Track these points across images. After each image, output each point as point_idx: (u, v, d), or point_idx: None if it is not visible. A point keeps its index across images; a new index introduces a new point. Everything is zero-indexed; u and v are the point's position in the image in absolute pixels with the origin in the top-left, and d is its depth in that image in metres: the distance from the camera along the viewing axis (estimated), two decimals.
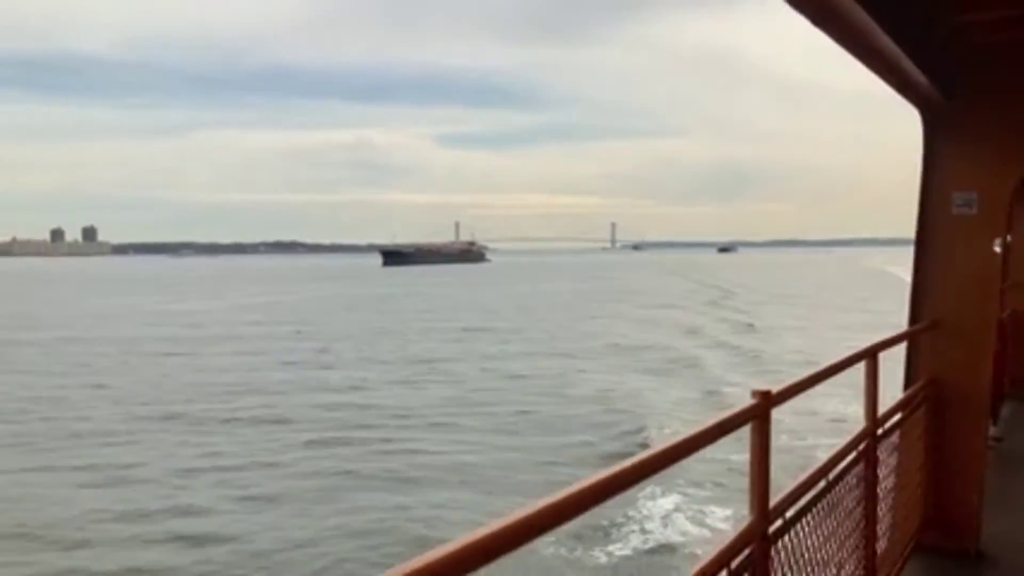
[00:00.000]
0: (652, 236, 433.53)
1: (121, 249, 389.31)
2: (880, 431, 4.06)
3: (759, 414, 2.49)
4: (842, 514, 3.41)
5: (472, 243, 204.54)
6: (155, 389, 22.76)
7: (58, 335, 36.58)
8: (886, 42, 3.80)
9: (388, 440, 16.60)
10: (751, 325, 35.60)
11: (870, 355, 3.94)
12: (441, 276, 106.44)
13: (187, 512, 12.45)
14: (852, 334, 30.12)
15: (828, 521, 3.19)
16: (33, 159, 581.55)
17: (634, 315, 42.27)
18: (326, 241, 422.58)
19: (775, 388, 2.64)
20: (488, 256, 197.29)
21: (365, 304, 56.76)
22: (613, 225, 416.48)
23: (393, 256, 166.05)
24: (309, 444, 16.31)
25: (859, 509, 3.70)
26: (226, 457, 15.53)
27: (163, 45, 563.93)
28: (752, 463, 2.49)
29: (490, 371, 25.32)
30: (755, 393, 2.52)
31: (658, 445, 1.93)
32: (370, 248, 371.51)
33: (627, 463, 1.70)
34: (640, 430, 16.35)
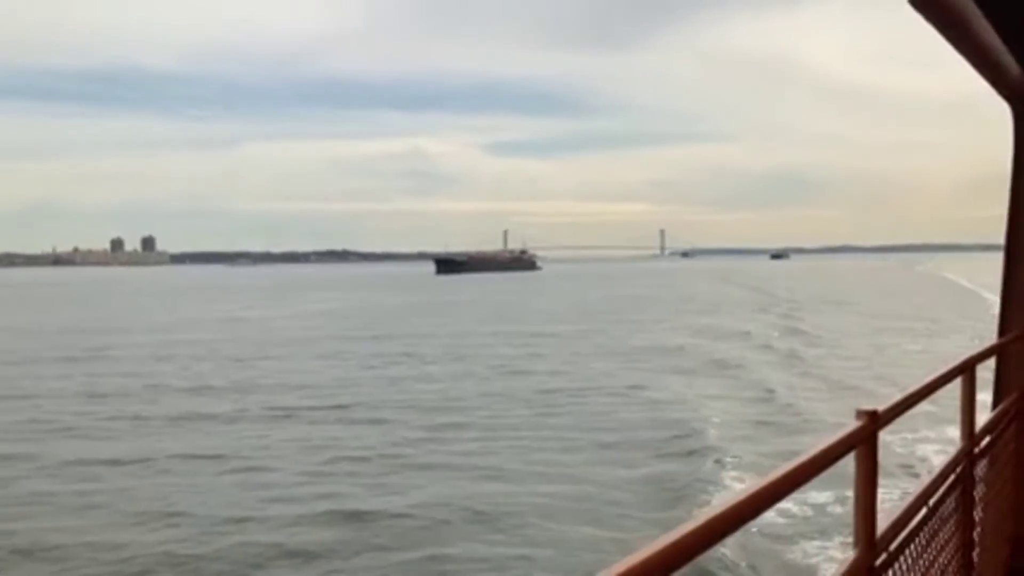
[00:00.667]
0: (702, 243, 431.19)
1: (179, 258, 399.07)
2: (976, 450, 3.84)
3: (866, 437, 2.35)
4: (942, 540, 3.26)
5: (524, 251, 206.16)
6: (302, 386, 24.82)
7: (156, 339, 39.20)
8: (984, 29, 3.73)
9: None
10: (817, 336, 35.55)
11: (967, 368, 3.70)
12: (496, 284, 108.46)
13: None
14: (927, 344, 30.92)
15: (929, 549, 3.06)
16: (93, 171, 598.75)
17: (696, 322, 43.40)
18: (377, 250, 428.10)
19: (881, 406, 2.50)
20: (539, 264, 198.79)
21: (432, 310, 58.86)
22: (662, 232, 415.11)
23: (446, 264, 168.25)
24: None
25: (957, 534, 3.50)
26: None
27: (219, 58, 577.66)
28: (857, 492, 2.35)
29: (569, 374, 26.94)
30: (860, 414, 2.38)
31: (754, 485, 1.71)
32: (420, 256, 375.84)
33: (719, 508, 1.52)
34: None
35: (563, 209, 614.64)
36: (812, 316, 45.60)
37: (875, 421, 2.39)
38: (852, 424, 2.32)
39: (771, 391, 21.97)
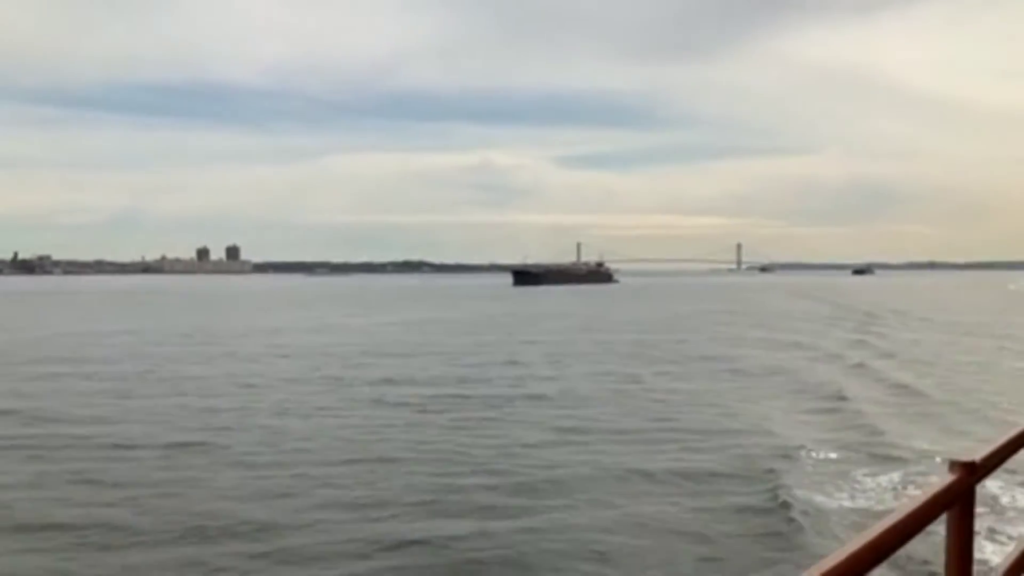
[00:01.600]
0: (780, 257, 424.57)
1: (261, 267, 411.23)
2: None
3: (960, 494, 2.00)
4: None
5: (600, 263, 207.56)
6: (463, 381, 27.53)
7: (281, 341, 42.58)
8: None
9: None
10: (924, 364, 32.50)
11: None
12: (577, 296, 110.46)
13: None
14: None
15: None
16: (179, 182, 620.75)
17: (783, 339, 44.50)
18: (450, 261, 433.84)
19: (978, 455, 2.13)
20: (616, 277, 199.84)
21: (531, 320, 61.19)
22: (739, 246, 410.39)
23: (524, 276, 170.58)
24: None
25: None
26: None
27: (300, 73, 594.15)
28: (949, 558, 2.03)
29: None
30: (953, 466, 2.05)
31: (838, 554, 1.50)
32: (493, 268, 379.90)
33: None
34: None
35: (637, 222, 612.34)
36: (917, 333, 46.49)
37: (972, 473, 2.06)
38: (944, 480, 2.01)
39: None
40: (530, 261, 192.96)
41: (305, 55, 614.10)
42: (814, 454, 16.48)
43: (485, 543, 11.51)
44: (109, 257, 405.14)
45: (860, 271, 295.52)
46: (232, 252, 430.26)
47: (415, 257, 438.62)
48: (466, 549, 11.28)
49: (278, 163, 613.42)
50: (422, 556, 11.12)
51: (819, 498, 13.20)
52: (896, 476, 14.61)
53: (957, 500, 2.01)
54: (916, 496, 1.85)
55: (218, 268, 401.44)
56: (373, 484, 14.75)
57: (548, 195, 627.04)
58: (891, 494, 13.37)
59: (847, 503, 13.08)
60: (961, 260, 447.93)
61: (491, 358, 35.20)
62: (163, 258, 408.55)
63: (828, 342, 40.40)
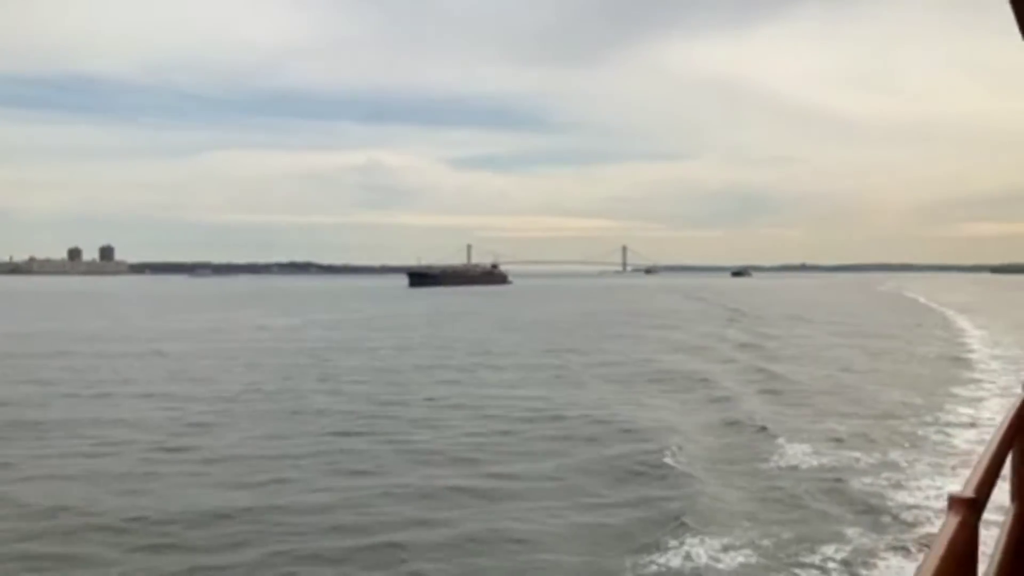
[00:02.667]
0: (663, 260, 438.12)
1: (138, 268, 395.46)
2: None
3: (965, 538, 1.80)
4: None
5: (495, 265, 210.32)
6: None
7: (190, 348, 42.71)
8: None
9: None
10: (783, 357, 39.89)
11: None
12: (476, 297, 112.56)
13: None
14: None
15: None
16: (49, 179, 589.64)
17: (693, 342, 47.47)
18: (338, 262, 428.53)
19: (970, 488, 1.93)
20: (510, 279, 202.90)
21: (439, 320, 62.74)
22: (624, 248, 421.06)
23: (419, 278, 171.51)
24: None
25: None
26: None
27: (176, 67, 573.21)
28: None
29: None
30: (953, 501, 1.86)
31: None
32: (383, 269, 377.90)
33: None
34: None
35: (526, 224, 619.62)
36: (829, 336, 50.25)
37: (974, 511, 1.84)
38: (953, 523, 1.79)
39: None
40: (424, 263, 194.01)
41: (183, 49, 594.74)
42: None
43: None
44: None
45: (738, 273, 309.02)
46: (106, 252, 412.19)
47: (301, 258, 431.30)
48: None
49: (155, 160, 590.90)
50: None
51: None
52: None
53: (961, 543, 1.78)
54: (933, 549, 1.67)
55: (91, 269, 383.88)
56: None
57: (437, 196, 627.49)
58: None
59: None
60: (831, 263, 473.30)
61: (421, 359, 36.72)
62: (32, 259, 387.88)
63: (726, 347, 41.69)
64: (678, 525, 12.08)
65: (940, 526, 1.83)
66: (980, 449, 2.71)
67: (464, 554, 11.25)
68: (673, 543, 11.43)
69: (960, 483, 2.19)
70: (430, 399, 24.40)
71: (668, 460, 16.11)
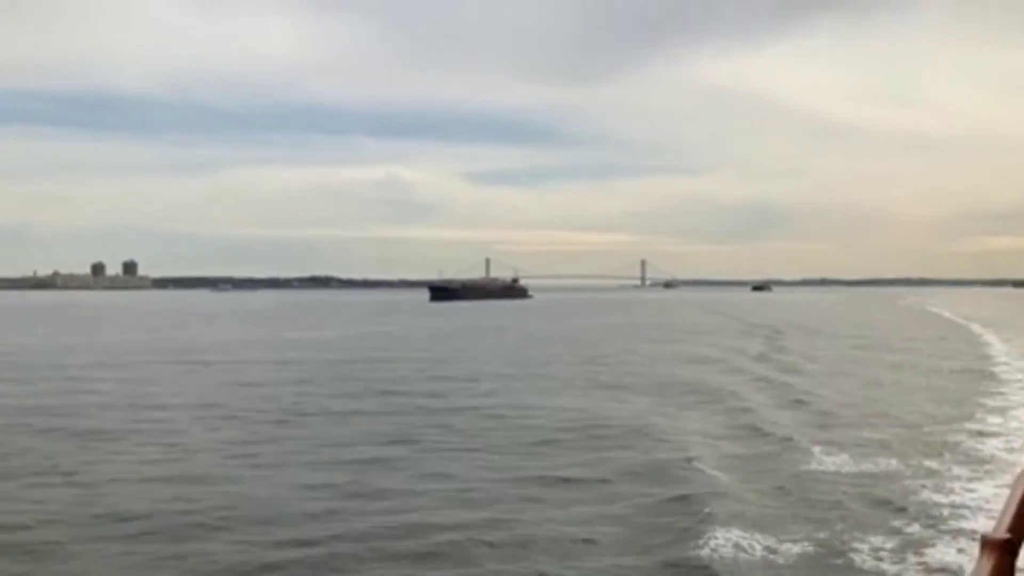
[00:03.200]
0: (682, 274, 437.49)
1: (160, 283, 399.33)
2: None
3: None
4: None
5: (515, 279, 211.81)
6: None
7: (234, 359, 44.21)
8: None
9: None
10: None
11: None
12: (499, 311, 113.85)
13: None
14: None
15: None
16: (72, 194, 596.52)
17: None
18: (357, 276, 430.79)
19: (1003, 528, 1.78)
20: (530, 293, 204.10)
21: (469, 333, 64.03)
22: (643, 263, 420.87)
23: (440, 292, 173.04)
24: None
25: None
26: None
27: (198, 84, 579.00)
28: None
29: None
30: (986, 543, 1.75)
31: None
32: (402, 283, 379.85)
33: None
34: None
35: (542, 238, 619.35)
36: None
37: (1009, 553, 1.71)
38: (977, 564, 1.66)
39: None
40: (437, 277, 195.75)
41: (205, 65, 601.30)
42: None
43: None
44: None
45: (759, 287, 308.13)
46: (129, 267, 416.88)
47: (322, 272, 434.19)
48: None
49: (177, 176, 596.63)
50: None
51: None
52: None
53: None
54: None
55: (115, 284, 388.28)
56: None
57: (454, 210, 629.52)
58: None
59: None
60: (851, 277, 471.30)
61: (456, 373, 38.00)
62: (56, 274, 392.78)
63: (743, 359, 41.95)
64: (711, 522, 13.08)
65: (972, 571, 1.71)
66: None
67: (523, 554, 12.16)
68: (712, 537, 12.43)
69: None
70: (479, 407, 25.71)
71: (697, 465, 17.20)
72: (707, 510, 13.64)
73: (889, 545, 12.10)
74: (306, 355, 44.80)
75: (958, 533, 12.52)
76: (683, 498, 14.59)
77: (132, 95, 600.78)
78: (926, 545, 12.07)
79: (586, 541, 12.52)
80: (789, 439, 19.78)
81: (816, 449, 18.60)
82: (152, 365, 39.01)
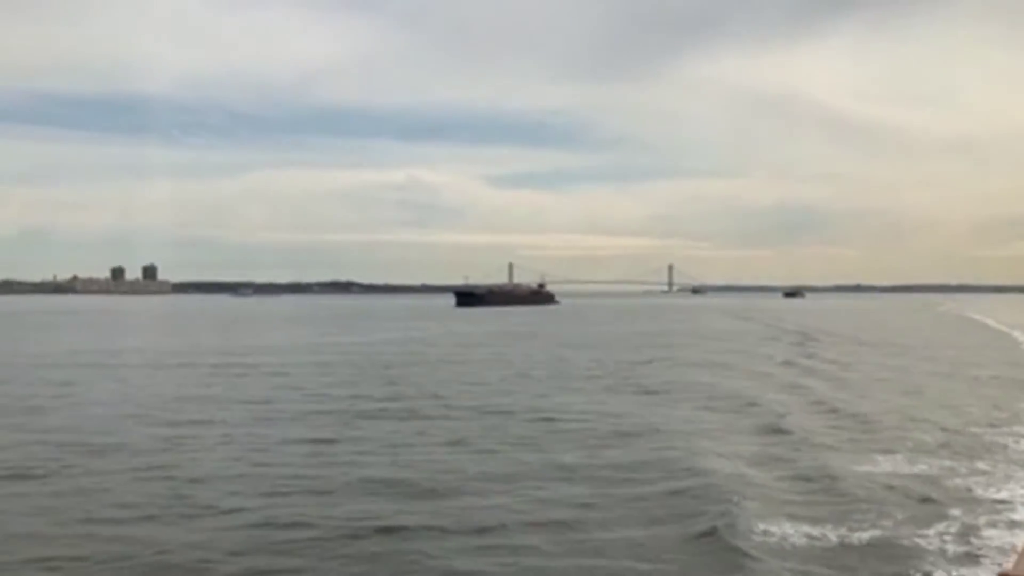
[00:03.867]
0: (710, 280, 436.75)
1: (181, 287, 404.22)
2: None
3: None
4: None
5: (542, 284, 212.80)
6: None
7: (275, 363, 45.64)
8: None
9: None
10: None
11: None
12: (528, 316, 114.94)
13: None
14: None
15: None
16: (92, 198, 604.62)
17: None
18: (379, 281, 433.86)
19: (1022, 565, 1.19)
20: (557, 299, 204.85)
21: (503, 338, 65.17)
22: (670, 267, 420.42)
23: (467, 297, 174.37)
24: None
25: None
26: None
27: (219, 86, 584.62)
28: None
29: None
30: None
31: None
32: (424, 288, 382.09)
33: None
34: None
35: (567, 243, 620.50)
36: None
37: None
38: None
39: None
40: (461, 282, 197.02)
41: (223, 67, 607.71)
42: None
43: None
44: (17, 276, 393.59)
45: (791, 293, 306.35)
46: (149, 271, 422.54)
47: (342, 277, 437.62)
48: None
49: (196, 179, 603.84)
50: None
51: None
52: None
53: None
54: None
55: (134, 288, 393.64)
56: None
57: (477, 214, 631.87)
58: None
59: None
60: (886, 283, 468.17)
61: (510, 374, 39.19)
62: (75, 278, 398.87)
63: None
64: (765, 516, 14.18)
65: None
66: None
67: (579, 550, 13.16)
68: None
69: None
70: (534, 409, 26.93)
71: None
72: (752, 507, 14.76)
73: (942, 541, 13.05)
74: (350, 358, 46.19)
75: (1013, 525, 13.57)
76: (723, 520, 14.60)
77: (148, 97, 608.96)
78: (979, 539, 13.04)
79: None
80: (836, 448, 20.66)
81: (877, 457, 19.35)
82: (200, 369, 40.48)
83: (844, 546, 12.89)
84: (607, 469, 18.33)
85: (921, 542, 12.98)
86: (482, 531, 13.87)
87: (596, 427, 23.87)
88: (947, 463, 18.48)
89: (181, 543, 13.14)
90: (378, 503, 15.49)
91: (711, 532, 13.39)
